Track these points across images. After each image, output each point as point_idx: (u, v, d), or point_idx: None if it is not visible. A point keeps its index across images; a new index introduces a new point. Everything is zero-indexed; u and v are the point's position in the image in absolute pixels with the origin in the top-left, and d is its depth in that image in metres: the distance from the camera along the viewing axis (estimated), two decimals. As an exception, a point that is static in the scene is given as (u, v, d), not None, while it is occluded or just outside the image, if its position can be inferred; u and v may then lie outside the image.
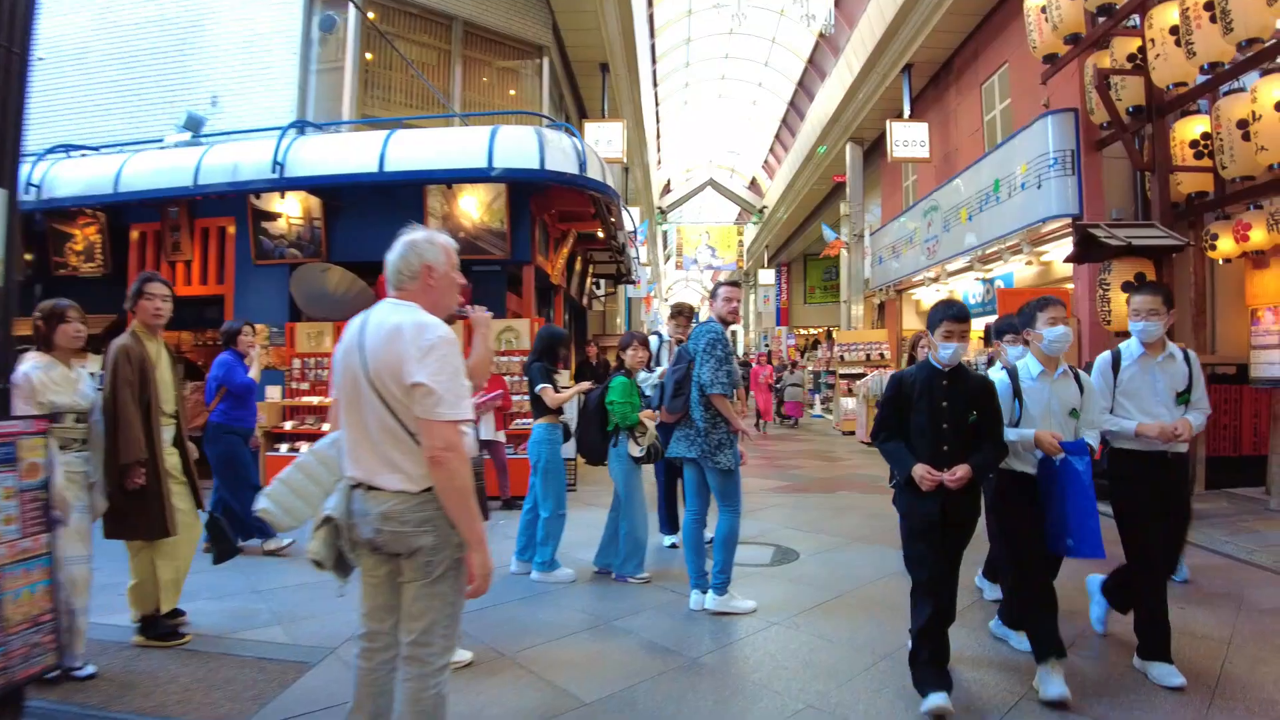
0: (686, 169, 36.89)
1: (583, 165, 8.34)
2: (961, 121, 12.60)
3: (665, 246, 35.35)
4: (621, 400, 5.03)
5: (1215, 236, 7.43)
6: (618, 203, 9.62)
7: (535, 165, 8.00)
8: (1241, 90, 7.07)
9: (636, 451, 5.10)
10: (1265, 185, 6.88)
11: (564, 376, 6.41)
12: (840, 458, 12.03)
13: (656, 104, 26.08)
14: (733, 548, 4.43)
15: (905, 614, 3.35)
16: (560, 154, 8.26)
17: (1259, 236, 6.94)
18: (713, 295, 4.68)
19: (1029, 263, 10.63)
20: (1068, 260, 7.64)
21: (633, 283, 16.26)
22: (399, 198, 8.29)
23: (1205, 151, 7.69)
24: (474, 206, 8.42)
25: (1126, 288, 7.00)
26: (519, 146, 8.14)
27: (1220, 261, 7.55)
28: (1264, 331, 7.36)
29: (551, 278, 10.47)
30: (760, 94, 28.25)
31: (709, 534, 4.76)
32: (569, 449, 5.71)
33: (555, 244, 10.66)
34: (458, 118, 10.83)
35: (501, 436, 7.43)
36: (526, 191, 8.45)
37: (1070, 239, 8.62)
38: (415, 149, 8.34)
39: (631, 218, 14.73)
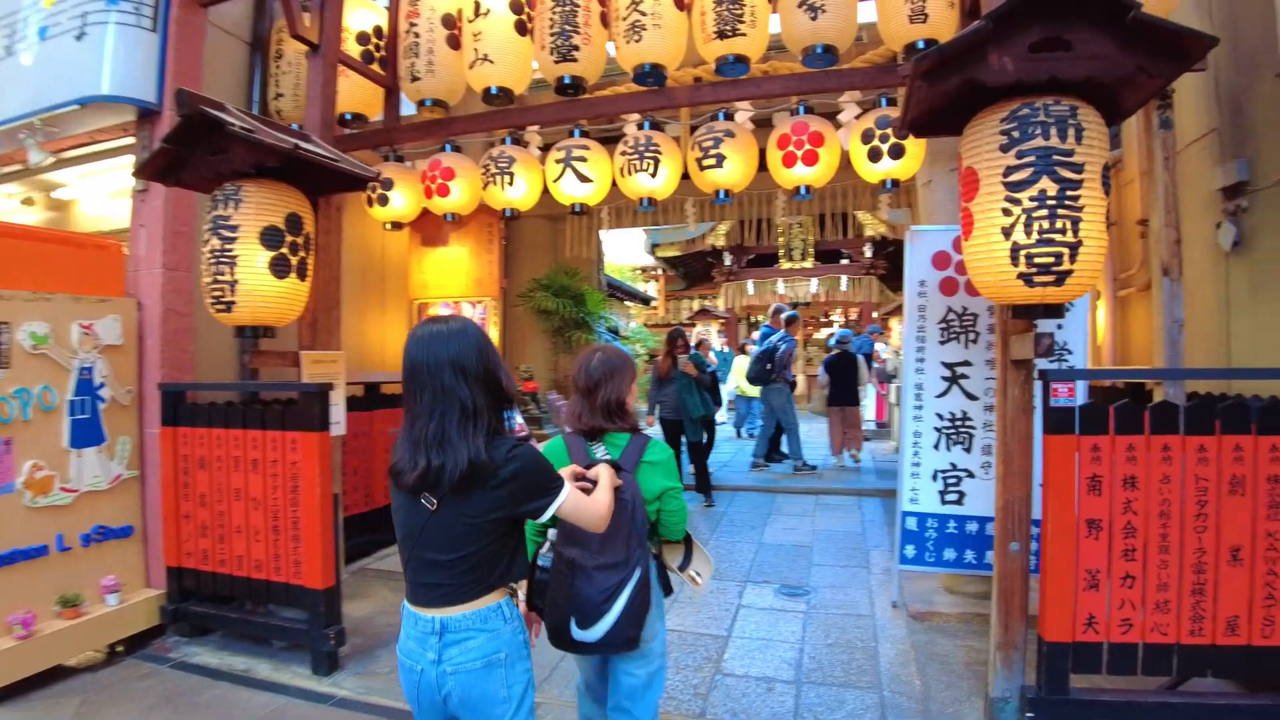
0: None
1: None
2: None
3: None
4: None
5: (390, 184, 4.71)
6: None
7: None
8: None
9: None
10: (474, 119, 4.54)
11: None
12: None
13: None
14: None
15: None
16: None
17: (466, 194, 4.48)
18: None
19: (28, 200, 5.89)
20: (140, 174, 3.66)
21: None
22: None
23: (378, 57, 4.93)
24: None
25: (271, 240, 3.54)
26: None
27: (387, 226, 4.88)
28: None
29: None
30: None
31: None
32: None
33: None
34: None
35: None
36: None
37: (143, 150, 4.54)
38: None
39: None
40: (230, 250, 3.34)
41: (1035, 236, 2.43)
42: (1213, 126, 4.14)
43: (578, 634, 2.07)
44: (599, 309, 7.68)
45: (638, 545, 2.11)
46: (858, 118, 4.05)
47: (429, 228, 4.89)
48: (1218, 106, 4.10)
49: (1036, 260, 2.46)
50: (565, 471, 1.94)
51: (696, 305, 18.00)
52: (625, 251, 18.29)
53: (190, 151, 3.40)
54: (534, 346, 8.20)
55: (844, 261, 16.07)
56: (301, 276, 3.57)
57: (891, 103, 3.85)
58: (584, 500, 1.86)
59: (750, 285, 16.74)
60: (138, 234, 4.33)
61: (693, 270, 18.24)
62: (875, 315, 15.16)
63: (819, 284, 16.01)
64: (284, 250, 3.44)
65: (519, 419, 5.51)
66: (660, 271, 18.66)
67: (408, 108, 4.74)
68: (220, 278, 3.37)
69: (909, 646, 3.87)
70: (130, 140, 4.52)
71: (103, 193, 5.35)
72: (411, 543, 1.75)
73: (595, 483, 1.99)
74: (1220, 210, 4.00)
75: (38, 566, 3.61)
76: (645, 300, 16.42)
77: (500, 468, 1.68)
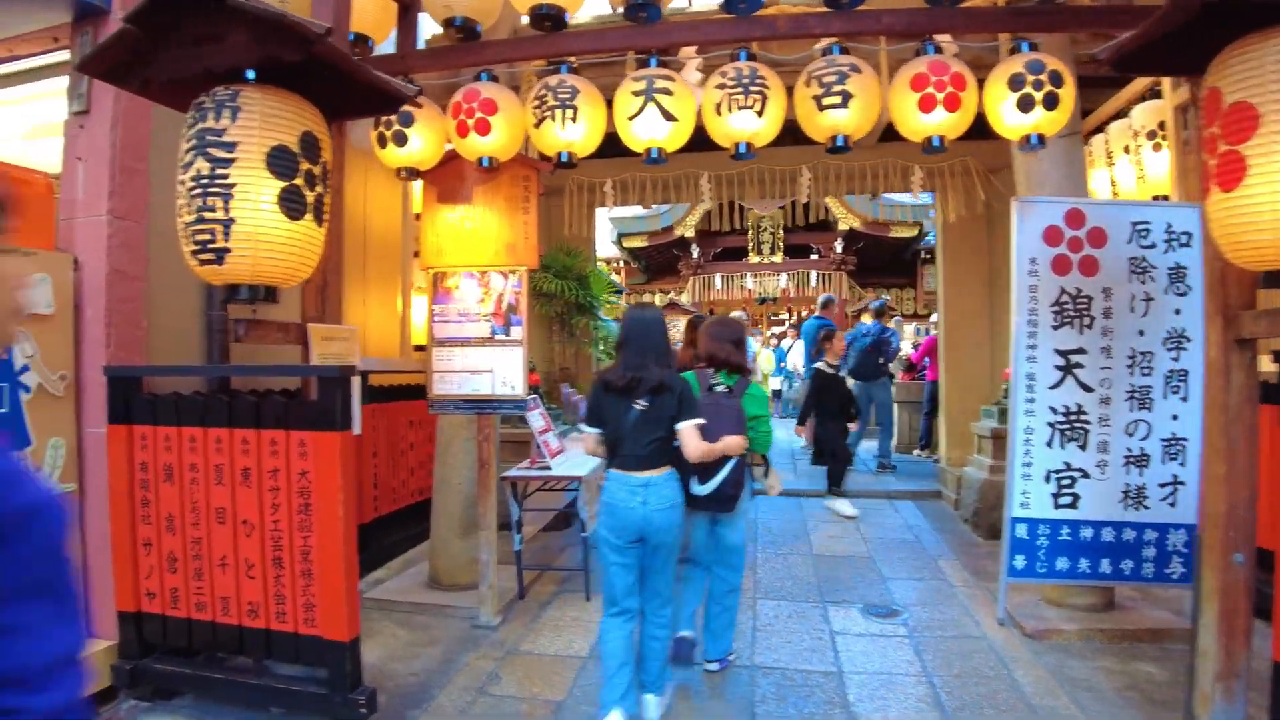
0: None
1: None
2: None
3: None
4: None
5: (410, 120, 3.62)
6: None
7: None
8: None
9: None
10: (513, 44, 3.56)
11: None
12: None
13: None
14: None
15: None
16: None
17: (508, 134, 3.41)
18: None
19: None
20: (86, 69, 2.63)
21: None
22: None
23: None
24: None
25: (283, 166, 2.56)
26: None
27: (401, 174, 3.82)
28: (456, 315, 4.10)
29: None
30: None
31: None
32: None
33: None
34: None
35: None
36: None
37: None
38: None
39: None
40: (225, 177, 2.39)
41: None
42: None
43: (696, 489, 2.99)
44: (603, 292, 6.81)
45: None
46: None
47: (448, 180, 3.97)
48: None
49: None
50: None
51: (660, 300, 17.22)
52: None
53: (161, 42, 2.43)
54: (530, 334, 7.27)
55: (813, 256, 15.61)
56: (319, 220, 2.65)
57: (1033, 48, 3.17)
58: (693, 437, 2.74)
59: (718, 279, 16.10)
60: (73, 170, 3.28)
61: (656, 263, 17.47)
62: (849, 313, 14.71)
63: (788, 279, 15.50)
64: (298, 181, 2.51)
65: (539, 420, 4.63)
66: (621, 264, 17.81)
67: (424, 32, 3.83)
68: (209, 215, 2.41)
69: (1044, 672, 3.29)
70: (62, 56, 3.49)
71: (14, 131, 4.22)
72: (625, 431, 2.74)
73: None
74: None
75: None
76: (618, 291, 15.61)
77: (674, 387, 2.75)
